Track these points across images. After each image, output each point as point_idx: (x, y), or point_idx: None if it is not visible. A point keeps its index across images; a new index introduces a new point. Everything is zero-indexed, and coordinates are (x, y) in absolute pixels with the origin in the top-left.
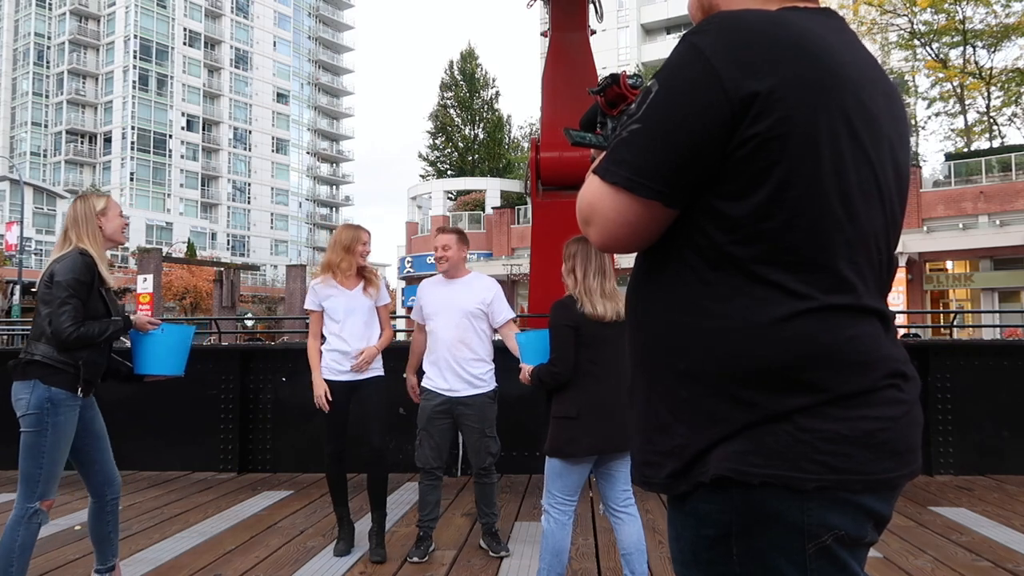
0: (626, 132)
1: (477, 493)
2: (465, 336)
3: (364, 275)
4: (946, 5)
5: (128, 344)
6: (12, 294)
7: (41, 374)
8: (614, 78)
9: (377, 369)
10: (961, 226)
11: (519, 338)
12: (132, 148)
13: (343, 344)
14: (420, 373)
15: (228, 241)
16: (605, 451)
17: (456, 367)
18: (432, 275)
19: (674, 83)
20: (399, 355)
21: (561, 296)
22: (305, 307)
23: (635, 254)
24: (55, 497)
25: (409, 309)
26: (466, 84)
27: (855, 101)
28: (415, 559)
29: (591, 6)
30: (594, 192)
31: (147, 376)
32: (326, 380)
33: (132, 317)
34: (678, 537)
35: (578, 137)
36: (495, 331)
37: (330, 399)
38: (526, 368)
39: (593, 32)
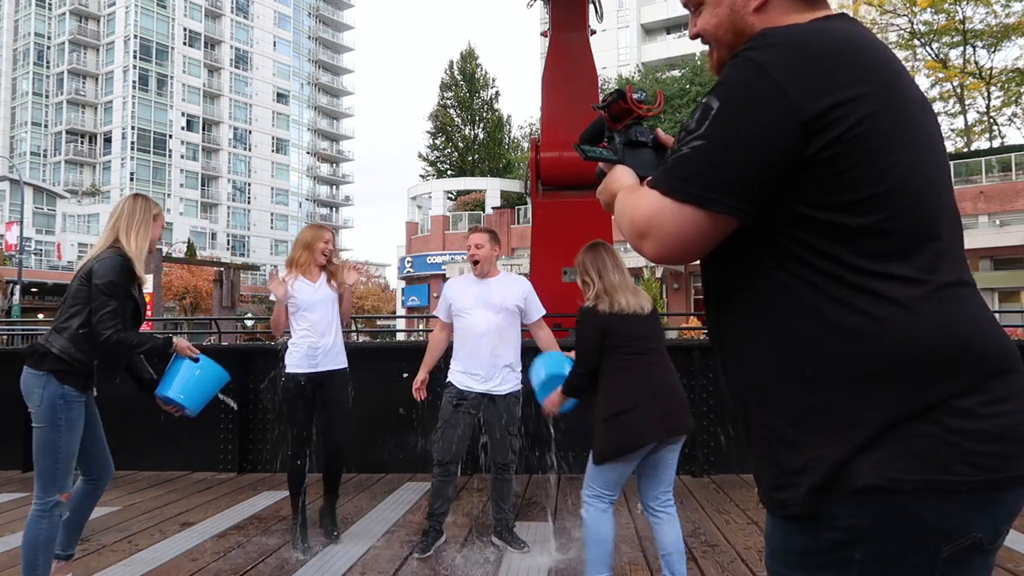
0: (687, 148)
1: (496, 489)
2: (503, 332)
3: (328, 270)
4: (946, 5)
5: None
6: (12, 294)
7: (55, 369)
8: (620, 94)
9: (342, 361)
10: None
11: (533, 376)
12: (132, 148)
13: (311, 338)
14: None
15: (228, 241)
16: (673, 434)
17: (493, 363)
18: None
19: (737, 99)
20: (397, 355)
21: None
22: (273, 296)
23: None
24: (71, 489)
25: (410, 309)
26: (466, 84)
27: (907, 93)
28: (418, 554)
29: (591, 6)
30: (652, 206)
31: (162, 398)
32: (294, 374)
33: (174, 339)
34: (785, 539)
35: (591, 152)
36: (525, 330)
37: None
38: (547, 400)
39: (593, 32)
